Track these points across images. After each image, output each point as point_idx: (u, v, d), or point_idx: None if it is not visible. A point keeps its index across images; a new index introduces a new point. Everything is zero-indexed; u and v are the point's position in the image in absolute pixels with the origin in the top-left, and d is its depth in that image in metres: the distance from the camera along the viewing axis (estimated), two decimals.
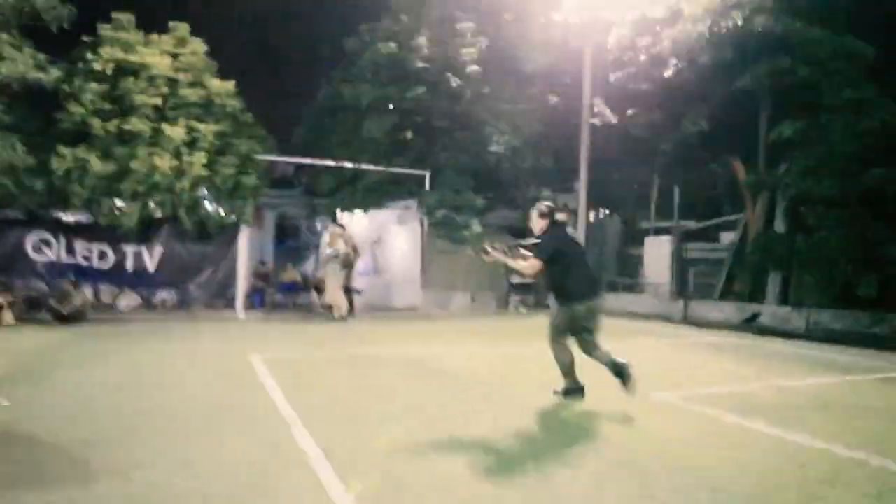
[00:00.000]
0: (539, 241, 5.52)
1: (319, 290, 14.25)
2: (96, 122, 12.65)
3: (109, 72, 13.06)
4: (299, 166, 18.56)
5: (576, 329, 5.51)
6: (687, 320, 13.76)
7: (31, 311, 11.50)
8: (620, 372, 5.46)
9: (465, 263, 17.29)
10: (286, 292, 14.36)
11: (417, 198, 16.94)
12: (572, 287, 5.47)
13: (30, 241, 13.11)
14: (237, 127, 14.10)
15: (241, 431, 4.42)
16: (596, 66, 16.59)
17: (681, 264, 15.91)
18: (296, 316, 13.34)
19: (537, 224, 5.60)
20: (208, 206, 13.76)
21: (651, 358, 8.46)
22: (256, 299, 14.30)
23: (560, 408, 5.37)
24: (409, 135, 16.58)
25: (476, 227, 16.81)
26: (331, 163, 16.14)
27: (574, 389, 5.60)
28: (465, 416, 5.01)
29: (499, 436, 4.44)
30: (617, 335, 11.02)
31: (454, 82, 15.72)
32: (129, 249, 13.48)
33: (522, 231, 19.14)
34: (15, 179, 12.32)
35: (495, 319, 14.52)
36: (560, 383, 5.64)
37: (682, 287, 15.72)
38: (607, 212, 21.21)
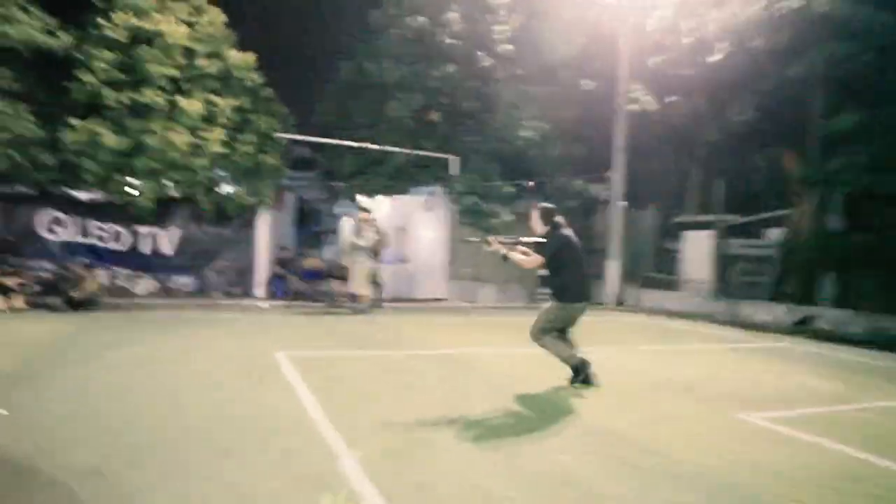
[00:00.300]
0: (544, 239, 5.74)
1: (342, 278, 13.49)
2: (109, 93, 11.90)
3: (123, 39, 12.28)
4: (318, 147, 17.74)
5: (564, 325, 5.79)
6: (733, 321, 12.91)
7: (42, 295, 10.84)
8: (577, 370, 5.75)
9: (493, 254, 16.51)
10: (308, 280, 13.60)
11: (443, 183, 16.15)
12: (574, 287, 5.70)
13: (41, 219, 12.45)
14: (256, 103, 13.32)
15: (274, 461, 3.65)
16: (634, 49, 15.64)
17: (722, 261, 15.00)
18: (319, 306, 12.60)
19: (538, 225, 5.82)
20: (226, 186, 13.00)
21: (714, 368, 7.64)
22: (277, 287, 13.56)
23: (638, 429, 4.56)
24: (436, 116, 15.72)
25: (506, 215, 15.99)
26: (354, 144, 15.32)
27: (582, 367, 5.76)
28: (524, 433, 4.23)
29: (567, 461, 3.66)
30: (665, 337, 10.35)
31: (485, 61, 14.82)
32: (146, 231, 12.81)
33: None
34: (24, 152, 11.62)
35: (527, 314, 13.73)
36: (568, 372, 5.79)
37: (723, 285, 14.83)
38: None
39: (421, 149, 15.79)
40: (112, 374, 5.54)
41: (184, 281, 13.20)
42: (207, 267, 13.29)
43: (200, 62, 12.72)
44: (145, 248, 12.89)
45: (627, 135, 15.89)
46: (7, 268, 10.03)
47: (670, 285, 15.81)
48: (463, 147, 16.13)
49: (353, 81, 16.01)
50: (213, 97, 12.58)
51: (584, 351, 5.90)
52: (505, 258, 5.95)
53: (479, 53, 14.70)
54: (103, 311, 10.07)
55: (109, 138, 11.79)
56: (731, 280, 15.10)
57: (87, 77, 11.89)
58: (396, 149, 15.31)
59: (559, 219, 5.82)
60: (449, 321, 11.50)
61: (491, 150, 16.03)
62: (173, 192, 12.72)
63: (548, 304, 5.84)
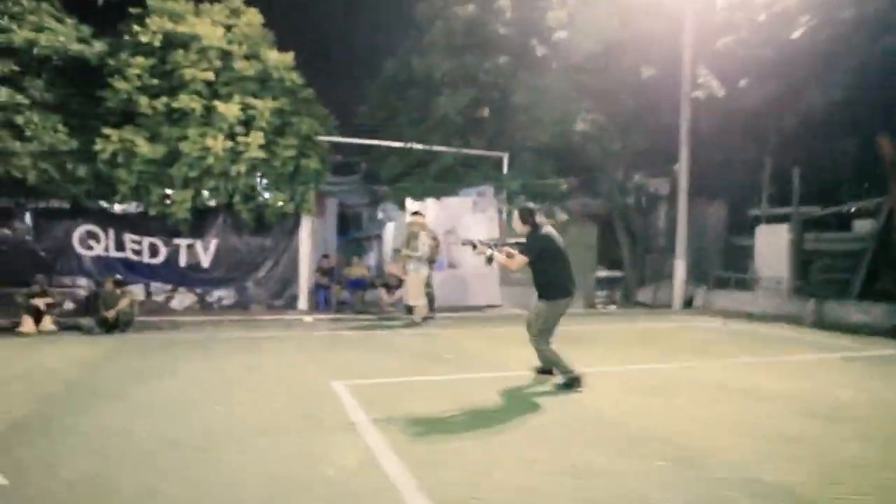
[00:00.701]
0: (526, 240, 5.86)
1: (389, 286, 12.67)
2: (143, 100, 11.28)
3: (157, 44, 11.68)
4: (360, 150, 16.93)
5: (556, 323, 5.88)
6: (822, 324, 11.59)
7: (74, 314, 10.25)
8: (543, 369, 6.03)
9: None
10: (353, 289, 12.78)
11: (493, 183, 15.19)
12: (560, 283, 5.79)
13: (76, 234, 11.91)
14: (296, 104, 12.56)
15: None
16: (700, 30, 14.41)
17: (802, 257, 13.64)
18: (368, 318, 11.73)
19: (520, 226, 5.92)
20: (266, 193, 12.26)
21: (850, 387, 6.35)
22: (320, 298, 12.78)
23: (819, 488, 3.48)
24: (486, 111, 14.74)
25: (561, 214, 14.92)
26: (399, 144, 14.45)
27: (575, 378, 5.76)
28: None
29: None
30: (760, 345, 8.97)
31: (539, 50, 13.78)
32: (182, 243, 12.17)
33: (607, 221, 17.24)
34: (57, 165, 11.07)
35: (595, 322, 12.62)
36: (559, 378, 5.87)
37: (803, 284, 13.48)
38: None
39: (469, 147, 14.82)
40: (139, 419, 4.69)
41: (222, 294, 12.54)
42: (247, 279, 12.59)
43: (238, 64, 12.04)
44: (182, 260, 12.25)
45: (692, 124, 14.68)
46: (36, 287, 9.38)
47: (742, 285, 14.50)
48: (514, 144, 15.12)
49: (397, 79, 15.15)
50: (251, 100, 11.86)
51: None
52: (490, 260, 6.07)
53: (531, 42, 13.65)
54: (137, 332, 9.35)
55: (144, 147, 11.17)
56: (812, 278, 13.73)
57: (120, 84, 11.30)
58: (444, 148, 14.37)
59: (540, 218, 5.92)
60: (511, 333, 10.46)
61: (544, 145, 14.97)
62: (210, 201, 12.06)
63: (536, 305, 5.92)
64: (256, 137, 11.54)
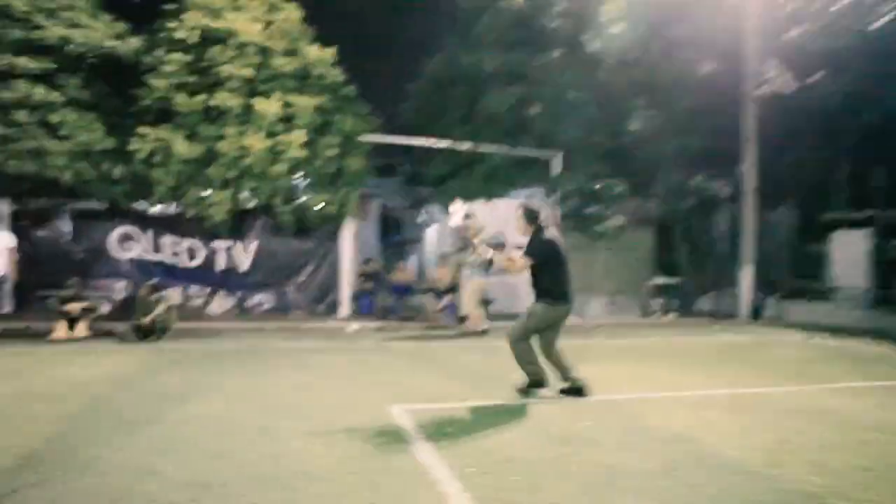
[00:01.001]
0: (529, 243, 5.61)
1: (436, 293, 11.98)
2: (180, 98, 10.79)
3: (194, 40, 11.16)
4: (402, 151, 16.26)
5: (549, 328, 5.61)
6: None
7: (109, 319, 9.76)
8: (573, 386, 5.66)
9: (602, 262, 14.62)
10: (398, 295, 12.10)
11: (544, 185, 14.36)
12: (560, 288, 5.58)
13: (113, 235, 11.50)
14: (338, 102, 11.94)
15: None
16: (766, 22, 13.41)
17: (884, 265, 12.52)
18: (416, 327, 10.99)
19: (523, 226, 5.66)
20: (307, 194, 11.66)
21: None
22: (363, 303, 12.13)
23: None
24: (536, 109, 13.92)
25: (617, 219, 14.04)
26: (445, 144, 13.73)
27: (539, 382, 5.65)
28: None
29: None
30: (858, 365, 7.83)
31: (592, 45, 12.92)
32: (221, 246, 11.64)
33: (663, 225, 16.25)
34: (93, 165, 10.63)
35: (652, 332, 11.70)
36: (521, 379, 5.68)
37: (886, 293, 12.36)
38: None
39: (518, 147, 14.02)
40: (171, 454, 4.00)
41: (262, 299, 12.00)
42: (287, 283, 12.03)
43: (277, 61, 11.46)
44: (220, 264, 11.74)
45: (758, 122, 13.66)
46: (69, 291, 8.89)
47: (817, 294, 13.40)
48: (565, 143, 14.27)
49: (442, 76, 14.41)
50: (291, 97, 11.28)
51: (576, 373, 5.67)
52: (490, 262, 5.97)
53: (584, 37, 12.81)
54: (174, 340, 8.79)
55: (181, 146, 10.67)
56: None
57: (156, 81, 10.83)
58: (493, 148, 13.60)
59: (543, 220, 5.66)
60: (577, 346, 9.56)
61: (596, 145, 14.09)
62: (249, 203, 11.51)
63: (532, 307, 5.61)
64: (297, 136, 10.95)
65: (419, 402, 5.47)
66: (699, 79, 14.38)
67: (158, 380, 6.23)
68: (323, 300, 12.08)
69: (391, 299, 12.23)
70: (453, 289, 12.30)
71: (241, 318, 11.23)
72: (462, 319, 10.43)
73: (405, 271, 12.89)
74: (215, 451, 3.98)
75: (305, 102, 11.24)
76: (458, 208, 14.06)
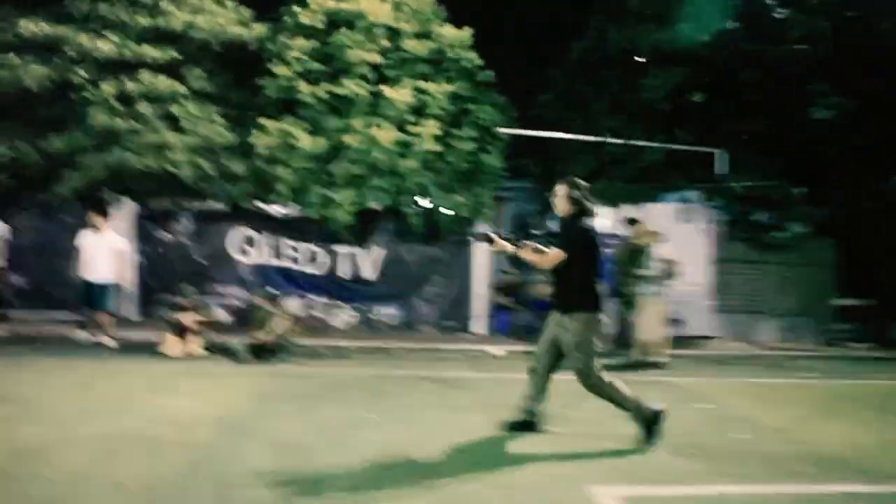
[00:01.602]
0: (565, 227, 4.70)
1: None
2: (304, 87, 9.79)
3: (320, 25, 10.16)
4: (535, 148, 14.64)
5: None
6: None
7: (226, 331, 8.84)
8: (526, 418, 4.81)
9: (773, 277, 12.38)
10: (538, 311, 10.48)
11: (704, 185, 12.32)
12: (594, 292, 4.57)
13: (233, 238, 10.71)
14: (474, 89, 10.56)
15: None
16: None
17: None
18: None
19: (563, 204, 4.66)
20: (438, 193, 10.31)
21: None
22: (500, 320, 10.65)
23: None
24: (698, 96, 11.94)
25: (797, 227, 11.76)
26: (590, 139, 12.02)
27: (651, 414, 4.49)
28: None
29: None
30: None
31: (777, 13, 10.78)
32: (344, 251, 10.54)
33: (850, 235, 13.63)
34: (213, 160, 9.83)
35: (859, 367, 9.41)
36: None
37: None
38: None
39: (677, 140, 12.08)
40: None
41: (388, 312, 10.80)
42: (415, 295, 10.77)
43: (407, 44, 10.26)
44: (344, 271, 10.66)
45: None
46: (183, 301, 7.99)
47: None
48: (732, 138, 12.18)
49: (587, 62, 12.70)
50: (423, 84, 10.02)
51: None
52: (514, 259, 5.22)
53: (768, 2, 10.71)
54: (295, 361, 7.63)
55: (305, 140, 9.66)
56: None
57: (280, 69, 9.90)
58: (649, 143, 11.73)
59: (589, 203, 4.67)
60: (776, 387, 7.63)
61: (770, 139, 11.87)
62: (375, 203, 10.33)
63: (574, 330, 4.48)
64: (430, 127, 9.65)
65: (629, 481, 3.83)
66: None
67: (273, 424, 4.92)
68: (454, 315, 10.73)
69: (530, 316, 10.62)
70: None
71: (367, 334, 10.05)
72: (620, 343, 8.69)
73: (546, 284, 11.25)
74: None
75: (439, 89, 9.94)
76: (631, 212, 12.38)
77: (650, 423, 4.50)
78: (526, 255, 4.73)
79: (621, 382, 4.58)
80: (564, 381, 4.72)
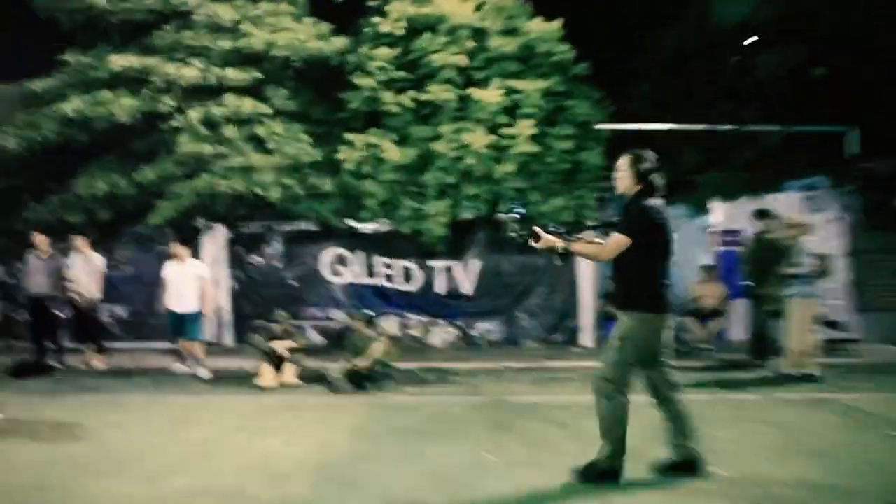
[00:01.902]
0: (627, 208, 3.90)
1: (701, 315, 9.40)
2: (388, 96, 9.35)
3: (401, 33, 9.71)
4: (633, 143, 13.63)
5: (653, 356, 3.84)
6: None
7: (321, 355, 8.41)
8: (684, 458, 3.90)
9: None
10: None
11: (832, 170, 10.99)
12: (661, 288, 3.80)
13: (325, 258, 10.42)
14: (569, 84, 9.79)
15: None
16: None
17: None
18: (693, 365, 8.19)
19: (626, 179, 3.95)
20: (536, 198, 9.57)
21: None
22: (609, 331, 9.74)
23: None
24: (821, 72, 10.64)
25: None
26: (698, 127, 10.97)
27: (614, 470, 3.83)
28: None
29: None
30: None
31: None
32: (439, 266, 10.00)
33: None
34: (301, 179, 9.53)
35: None
36: (594, 453, 3.88)
37: None
38: None
39: (793, 123, 10.81)
40: None
41: (488, 328, 10.17)
42: (516, 308, 10.08)
43: (494, 42, 9.64)
44: (440, 287, 10.13)
45: None
46: (277, 328, 7.61)
47: None
48: (859, 118, 10.79)
49: (685, 48, 11.64)
50: (514, 82, 9.35)
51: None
52: (565, 255, 4.01)
53: None
54: (394, 388, 7.05)
55: (392, 151, 9.19)
56: None
57: (363, 80, 9.49)
58: (766, 126, 10.55)
59: (658, 180, 3.86)
60: None
61: None
62: (468, 213, 9.72)
63: (627, 325, 3.80)
64: (526, 127, 8.96)
65: None
66: None
67: (383, 470, 4.33)
68: (559, 328, 9.95)
69: None
70: (719, 312, 9.63)
71: (467, 352, 9.43)
72: (755, 353, 7.63)
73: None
74: None
75: (532, 86, 9.24)
76: (718, 208, 11.28)
77: (603, 471, 3.86)
78: (580, 249, 4.04)
79: (627, 411, 3.84)
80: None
